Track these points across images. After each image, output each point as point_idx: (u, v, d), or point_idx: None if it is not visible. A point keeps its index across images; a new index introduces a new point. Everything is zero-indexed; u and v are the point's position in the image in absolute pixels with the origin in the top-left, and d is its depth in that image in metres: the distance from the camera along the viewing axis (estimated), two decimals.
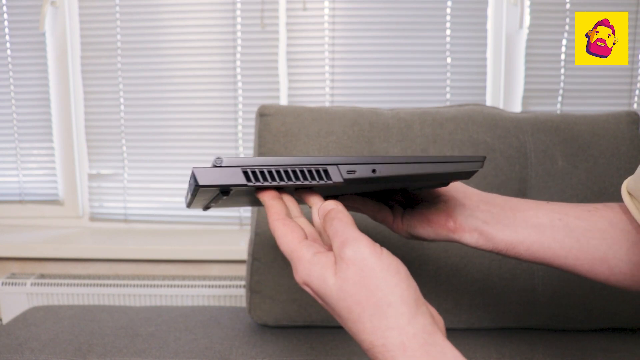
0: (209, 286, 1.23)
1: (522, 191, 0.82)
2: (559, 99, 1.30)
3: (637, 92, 1.29)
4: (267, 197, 0.36)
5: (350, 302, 0.30)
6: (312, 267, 0.32)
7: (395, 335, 0.29)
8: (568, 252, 0.45)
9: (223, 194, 0.35)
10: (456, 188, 0.47)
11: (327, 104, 1.33)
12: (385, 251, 0.32)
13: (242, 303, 1.24)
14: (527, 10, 1.28)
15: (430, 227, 0.47)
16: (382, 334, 0.30)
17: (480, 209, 0.46)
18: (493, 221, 0.46)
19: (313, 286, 0.32)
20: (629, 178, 0.47)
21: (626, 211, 0.46)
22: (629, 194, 0.46)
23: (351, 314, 0.31)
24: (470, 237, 0.46)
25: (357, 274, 0.30)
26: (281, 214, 0.35)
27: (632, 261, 0.44)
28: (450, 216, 0.46)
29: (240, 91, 1.33)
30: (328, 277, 0.31)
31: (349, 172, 0.35)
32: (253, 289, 0.82)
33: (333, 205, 0.34)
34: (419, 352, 0.29)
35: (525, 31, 1.28)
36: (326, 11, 1.29)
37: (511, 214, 0.46)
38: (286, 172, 0.34)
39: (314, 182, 0.34)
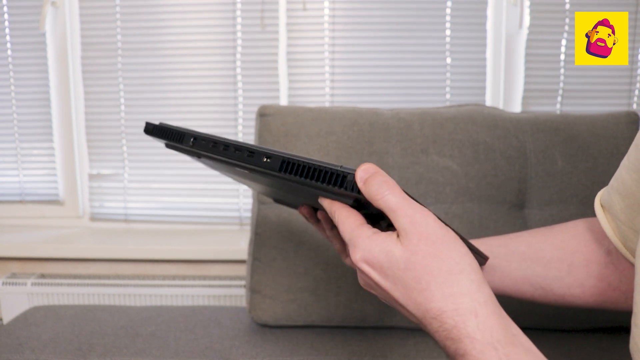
0: (209, 286, 1.23)
1: (522, 191, 0.82)
2: (559, 99, 1.30)
3: (636, 92, 1.29)
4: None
5: (420, 271, 0.31)
6: (372, 243, 0.32)
7: (467, 301, 0.30)
8: (493, 277, 0.50)
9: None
10: None
11: (327, 104, 1.33)
12: (447, 225, 0.33)
13: (242, 303, 1.24)
14: (526, 11, 1.28)
15: None
16: (454, 300, 0.30)
17: None
18: None
19: (375, 260, 0.32)
20: (603, 190, 0.48)
21: (563, 230, 0.50)
22: (602, 205, 0.47)
23: (419, 283, 0.31)
24: None
25: (429, 245, 0.31)
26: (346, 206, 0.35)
27: (548, 276, 0.49)
28: None
29: (240, 91, 1.33)
30: (394, 249, 0.31)
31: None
32: (253, 288, 0.82)
33: (373, 169, 0.32)
34: (489, 319, 0.30)
35: (525, 31, 1.28)
36: (326, 11, 1.29)
37: None
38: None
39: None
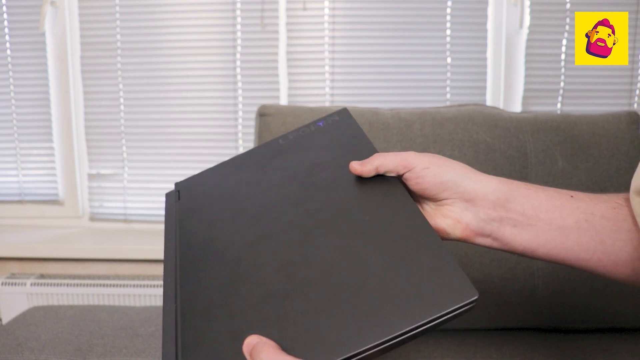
0: None
1: None
2: (559, 99, 1.30)
3: (637, 92, 1.29)
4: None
5: None
6: None
7: None
8: (592, 255, 0.43)
9: None
10: (465, 188, 0.43)
11: (327, 104, 1.33)
12: None
13: None
14: (527, 10, 1.28)
15: (440, 228, 0.44)
16: None
17: (497, 212, 0.43)
18: (510, 224, 0.43)
19: None
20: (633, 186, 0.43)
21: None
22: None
23: None
24: (483, 241, 0.44)
25: None
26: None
27: None
28: (460, 220, 0.43)
29: (240, 91, 1.33)
30: None
31: None
32: None
33: (256, 339, 0.33)
34: None
35: (525, 31, 1.28)
36: (326, 11, 1.29)
37: (533, 214, 0.43)
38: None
39: None
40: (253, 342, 0.33)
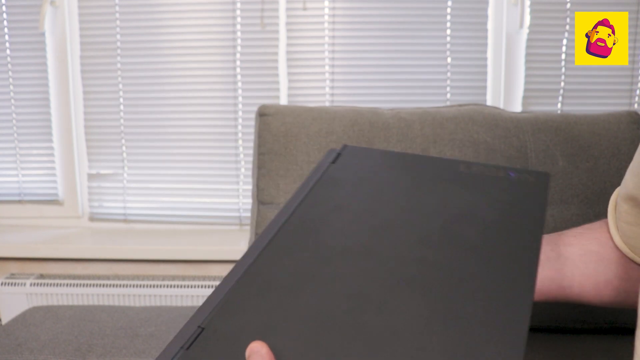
0: (209, 286, 1.23)
1: None
2: (559, 99, 1.30)
3: (637, 92, 1.29)
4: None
5: None
6: None
7: None
8: (572, 281, 0.43)
9: None
10: None
11: (327, 104, 1.32)
12: None
13: None
14: (527, 10, 1.28)
15: None
16: None
17: None
18: None
19: None
20: (615, 193, 0.45)
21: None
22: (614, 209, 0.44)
23: None
24: None
25: None
26: None
27: (631, 278, 0.43)
28: None
29: (240, 91, 1.32)
30: None
31: None
32: None
33: (258, 348, 0.30)
34: None
35: (525, 31, 1.28)
36: (326, 11, 1.29)
37: None
38: None
39: None
40: (254, 350, 0.31)
